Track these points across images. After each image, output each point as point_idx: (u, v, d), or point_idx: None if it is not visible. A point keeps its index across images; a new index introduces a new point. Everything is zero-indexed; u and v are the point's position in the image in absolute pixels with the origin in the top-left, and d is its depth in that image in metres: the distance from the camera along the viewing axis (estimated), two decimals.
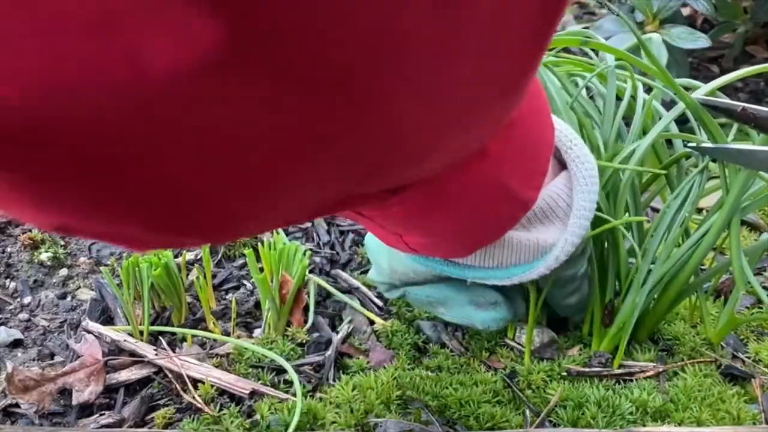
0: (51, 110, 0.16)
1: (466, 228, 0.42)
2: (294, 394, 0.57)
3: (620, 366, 0.62)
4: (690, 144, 0.55)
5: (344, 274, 0.75)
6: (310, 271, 0.73)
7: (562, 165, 0.48)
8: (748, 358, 0.64)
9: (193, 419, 0.56)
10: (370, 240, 0.56)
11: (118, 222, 0.22)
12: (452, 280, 0.54)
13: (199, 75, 0.17)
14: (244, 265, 0.76)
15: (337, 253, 0.79)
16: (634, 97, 0.62)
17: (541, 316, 0.67)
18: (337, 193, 0.27)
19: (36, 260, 0.74)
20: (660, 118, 0.58)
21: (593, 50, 0.66)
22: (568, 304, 0.58)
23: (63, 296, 0.72)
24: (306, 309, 0.68)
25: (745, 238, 0.81)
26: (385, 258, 0.54)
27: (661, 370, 0.61)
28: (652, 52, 0.54)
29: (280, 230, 0.80)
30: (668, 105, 0.61)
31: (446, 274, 0.50)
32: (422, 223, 0.41)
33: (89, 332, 0.64)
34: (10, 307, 0.70)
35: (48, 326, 0.68)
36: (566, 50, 0.71)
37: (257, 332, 0.67)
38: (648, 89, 0.66)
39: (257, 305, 0.70)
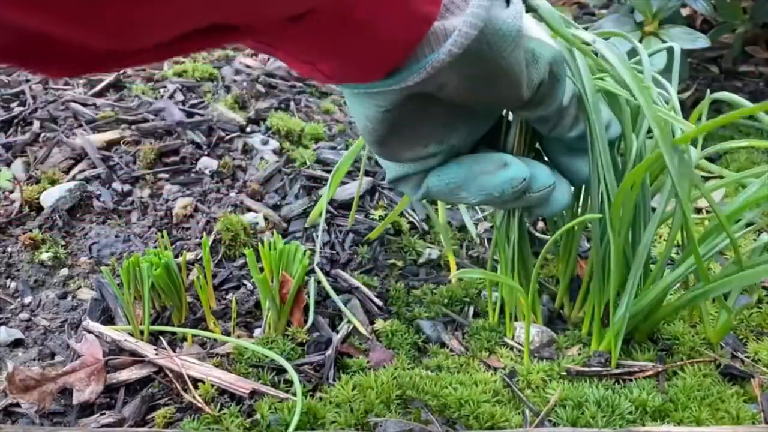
0: None
1: (373, 49, 0.45)
2: (294, 394, 0.57)
3: (619, 365, 0.62)
4: None
5: (344, 274, 0.75)
6: (310, 271, 0.73)
7: None
8: (748, 357, 0.64)
9: (194, 419, 0.56)
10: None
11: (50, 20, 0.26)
12: (459, 158, 0.55)
13: None
14: (244, 265, 0.76)
15: (337, 253, 0.79)
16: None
17: (539, 317, 0.67)
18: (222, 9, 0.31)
19: (36, 260, 0.74)
20: None
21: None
22: (571, 137, 0.57)
23: (63, 296, 0.72)
24: (306, 309, 0.69)
25: (745, 238, 0.81)
26: (365, 129, 0.53)
27: (660, 369, 0.62)
28: (653, 56, 0.53)
29: (279, 232, 0.81)
30: None
31: (377, 89, 0.50)
32: (331, 49, 0.44)
33: (90, 332, 0.64)
34: (11, 306, 0.70)
35: (48, 326, 0.68)
36: None
37: (257, 332, 0.67)
38: None
39: (257, 305, 0.70)
